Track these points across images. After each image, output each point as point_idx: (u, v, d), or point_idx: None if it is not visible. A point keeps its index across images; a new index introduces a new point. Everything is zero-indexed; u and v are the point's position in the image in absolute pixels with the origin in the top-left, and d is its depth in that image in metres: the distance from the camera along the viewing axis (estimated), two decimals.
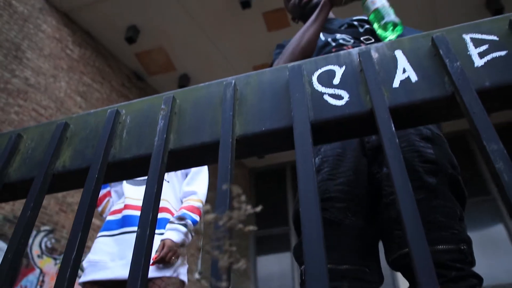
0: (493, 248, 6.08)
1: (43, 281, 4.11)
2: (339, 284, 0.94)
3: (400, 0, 5.25)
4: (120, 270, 1.66)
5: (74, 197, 4.70)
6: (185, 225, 1.78)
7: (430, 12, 5.57)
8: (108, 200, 2.04)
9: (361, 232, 1.01)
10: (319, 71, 0.61)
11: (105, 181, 0.63)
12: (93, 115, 0.71)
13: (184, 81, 6.63)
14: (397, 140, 0.48)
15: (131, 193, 1.88)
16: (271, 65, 1.41)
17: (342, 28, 1.42)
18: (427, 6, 5.51)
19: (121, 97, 6.10)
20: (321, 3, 1.31)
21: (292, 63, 0.62)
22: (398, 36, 1.20)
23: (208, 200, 2.03)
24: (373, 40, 1.29)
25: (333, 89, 0.58)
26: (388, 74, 0.57)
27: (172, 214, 1.88)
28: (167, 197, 1.92)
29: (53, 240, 4.33)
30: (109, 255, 1.72)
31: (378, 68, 0.58)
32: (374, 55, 0.60)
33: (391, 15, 1.16)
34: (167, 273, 1.68)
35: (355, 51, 0.61)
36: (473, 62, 0.55)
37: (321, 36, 1.39)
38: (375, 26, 1.18)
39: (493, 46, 0.56)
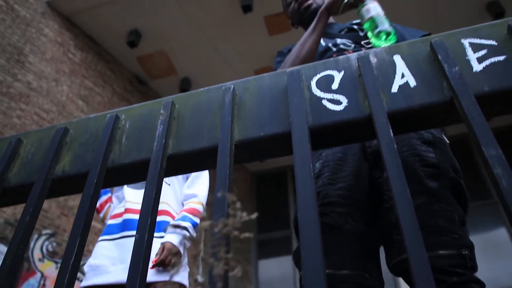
0: (495, 251, 6.06)
1: (44, 284, 4.11)
2: None
3: (402, 3, 5.29)
4: (121, 274, 1.65)
5: (75, 200, 4.70)
6: (185, 228, 1.77)
7: (432, 14, 5.58)
8: (110, 206, 2.04)
9: (361, 236, 1.01)
10: (318, 76, 0.61)
11: (104, 186, 0.64)
12: (93, 120, 0.71)
13: (185, 85, 6.64)
14: (395, 146, 0.48)
15: (132, 197, 1.88)
16: None
17: (342, 32, 1.43)
18: (428, 9, 5.52)
19: (122, 100, 6.11)
20: (319, 12, 1.32)
21: (291, 68, 0.62)
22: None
23: (209, 203, 2.03)
24: None
25: (331, 94, 0.58)
26: (386, 79, 0.58)
27: (173, 217, 1.88)
28: (167, 200, 1.92)
29: (54, 244, 4.33)
30: (110, 259, 1.72)
31: (377, 73, 0.58)
32: (373, 60, 0.60)
33: (385, 24, 1.17)
34: (168, 277, 1.68)
35: (353, 56, 0.62)
36: (471, 67, 0.55)
37: (322, 41, 1.39)
38: (369, 34, 1.19)
39: (492, 51, 0.56)
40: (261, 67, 6.32)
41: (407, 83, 0.56)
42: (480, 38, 0.58)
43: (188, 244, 1.82)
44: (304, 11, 1.49)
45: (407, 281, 0.95)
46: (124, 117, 0.68)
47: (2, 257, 0.59)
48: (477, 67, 0.55)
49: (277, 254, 7.87)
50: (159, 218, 1.82)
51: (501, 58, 0.55)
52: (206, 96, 0.65)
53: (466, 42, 0.58)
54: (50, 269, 4.23)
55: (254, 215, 0.32)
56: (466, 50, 0.57)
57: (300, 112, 0.55)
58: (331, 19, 1.55)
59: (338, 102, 0.57)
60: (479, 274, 0.89)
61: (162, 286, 1.65)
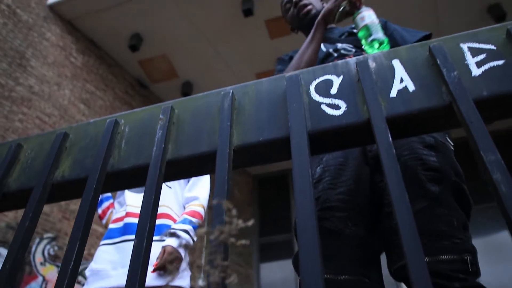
0: (498, 255, 6.02)
1: None
2: None
3: (402, 5, 5.29)
4: (122, 278, 1.65)
5: (77, 204, 4.70)
6: (186, 231, 1.77)
7: (432, 17, 5.58)
8: (112, 212, 2.05)
9: (362, 241, 1.01)
10: (317, 80, 0.61)
11: (103, 191, 0.64)
12: (93, 124, 0.71)
13: (187, 89, 6.65)
14: (394, 150, 0.48)
15: (133, 201, 1.88)
16: None
17: (343, 37, 1.43)
18: (429, 12, 5.52)
19: (124, 104, 6.12)
20: (315, 22, 1.33)
21: (290, 73, 0.62)
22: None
23: (211, 205, 2.02)
24: None
25: (330, 98, 0.58)
26: (385, 84, 0.57)
27: (174, 220, 1.88)
28: (169, 203, 1.92)
29: (56, 248, 4.33)
30: (111, 263, 1.72)
31: (376, 78, 0.58)
32: (372, 64, 0.60)
33: (379, 33, 1.17)
34: (169, 281, 1.68)
35: (352, 60, 0.62)
36: (470, 72, 0.55)
37: (322, 46, 1.40)
38: (363, 42, 1.20)
39: (491, 55, 0.56)
40: (262, 70, 6.33)
41: (406, 88, 0.56)
42: (479, 42, 0.58)
43: (189, 247, 1.82)
44: (303, 16, 1.49)
45: (408, 286, 0.95)
46: (124, 122, 0.69)
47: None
48: (476, 71, 0.55)
49: (279, 257, 7.85)
50: (160, 222, 1.82)
51: (500, 62, 0.54)
52: (205, 100, 0.65)
53: (465, 46, 0.58)
54: (52, 273, 4.22)
55: (250, 222, 0.32)
56: (465, 55, 0.57)
57: (298, 117, 0.55)
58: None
59: (337, 107, 0.57)
60: (482, 278, 0.88)
61: None
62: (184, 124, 0.64)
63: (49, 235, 4.31)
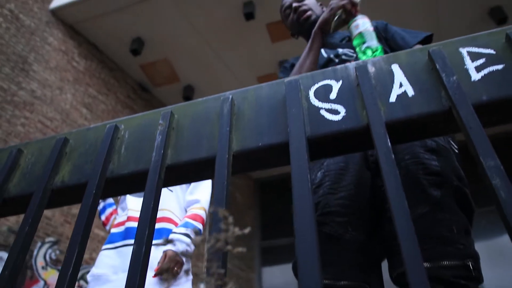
0: (501, 259, 5.99)
1: None
2: None
3: (403, 8, 5.29)
4: (123, 283, 1.64)
5: (78, 208, 4.70)
6: (187, 235, 1.77)
7: (433, 19, 5.58)
8: (115, 218, 2.05)
9: (362, 246, 1.00)
10: (316, 85, 0.61)
11: (103, 196, 0.64)
12: (93, 130, 0.71)
13: (188, 92, 6.67)
14: (393, 156, 0.48)
15: (134, 205, 1.88)
16: None
17: (343, 41, 1.43)
18: (430, 15, 5.52)
19: (126, 108, 6.13)
20: (312, 32, 1.33)
21: (289, 78, 0.62)
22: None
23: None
24: None
25: (329, 104, 0.58)
26: (384, 89, 0.57)
27: (176, 224, 1.87)
28: (170, 207, 1.92)
29: (57, 252, 4.33)
30: (112, 268, 1.72)
31: (375, 83, 0.58)
32: (371, 69, 0.60)
33: (372, 40, 1.17)
34: (169, 286, 1.67)
35: (351, 65, 0.62)
36: (470, 76, 0.55)
37: (323, 52, 1.40)
38: (357, 49, 1.20)
39: (490, 60, 0.56)
40: (264, 74, 6.34)
41: (405, 93, 0.56)
42: (479, 47, 0.58)
43: (190, 251, 1.82)
44: (303, 22, 1.49)
45: None
46: (124, 127, 0.69)
47: None
48: (475, 76, 0.55)
49: (281, 261, 7.82)
50: (161, 226, 1.82)
51: (500, 67, 0.54)
52: (205, 106, 0.65)
53: (464, 51, 0.58)
54: (53, 277, 4.22)
55: (247, 230, 0.31)
56: (464, 59, 0.57)
57: (298, 122, 0.55)
58: None
59: (336, 112, 0.57)
60: (485, 282, 0.87)
61: None
62: (184, 129, 0.64)
63: (51, 239, 4.31)
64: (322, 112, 0.57)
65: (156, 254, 1.68)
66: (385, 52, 1.31)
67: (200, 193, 1.99)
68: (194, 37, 5.85)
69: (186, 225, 1.82)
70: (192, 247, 1.83)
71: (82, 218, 0.58)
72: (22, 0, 4.94)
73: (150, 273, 1.62)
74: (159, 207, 1.88)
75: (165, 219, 1.85)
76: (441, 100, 0.54)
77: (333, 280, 0.94)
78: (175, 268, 1.68)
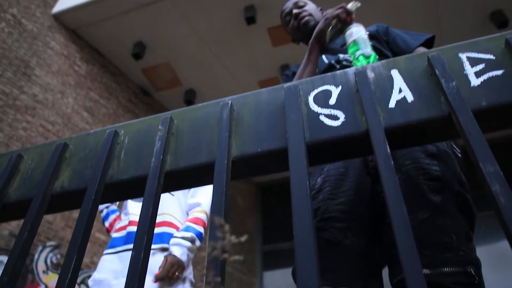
0: (502, 263, 5.96)
1: None
2: None
3: (403, 9, 5.30)
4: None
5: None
6: (188, 239, 1.76)
7: (433, 19, 5.58)
8: (118, 223, 2.05)
9: (362, 252, 0.99)
10: (316, 91, 0.61)
11: (102, 201, 0.64)
12: (93, 135, 0.72)
13: (190, 97, 6.68)
14: (392, 162, 0.48)
15: (135, 210, 1.88)
16: None
17: (344, 47, 1.43)
18: (431, 19, 5.53)
19: (127, 112, 6.14)
20: (309, 44, 1.34)
21: (288, 83, 0.62)
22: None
23: None
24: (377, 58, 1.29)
25: (329, 109, 0.58)
26: (384, 94, 0.57)
27: (177, 228, 1.87)
28: (171, 211, 1.91)
29: (58, 256, 4.32)
30: (113, 272, 1.72)
31: (374, 88, 0.58)
32: (370, 75, 0.60)
33: (366, 48, 1.18)
34: None
35: (351, 71, 0.62)
36: (469, 82, 0.55)
37: (324, 58, 1.40)
38: (352, 57, 1.21)
39: (490, 65, 0.56)
40: (265, 78, 6.35)
41: (404, 98, 0.56)
42: (478, 52, 0.58)
43: (191, 255, 1.81)
44: (304, 28, 1.50)
45: None
46: (123, 133, 0.69)
47: None
48: (474, 81, 0.55)
49: (282, 265, 7.79)
50: (162, 230, 1.82)
51: (499, 72, 0.54)
52: (204, 111, 0.65)
53: (463, 56, 0.58)
54: (54, 281, 4.20)
55: (243, 238, 0.31)
56: (464, 65, 0.57)
57: (297, 128, 0.55)
58: None
59: (335, 118, 0.57)
60: (486, 287, 0.86)
61: None
62: (183, 134, 0.64)
63: (52, 243, 4.31)
64: (322, 117, 0.57)
65: (157, 259, 1.68)
66: (386, 56, 1.31)
67: (202, 196, 1.99)
68: (196, 41, 5.87)
69: (187, 229, 1.81)
70: (194, 251, 1.82)
71: (81, 223, 0.58)
72: (24, 5, 4.97)
73: (151, 278, 1.62)
74: (160, 212, 1.87)
75: (166, 224, 1.85)
76: (440, 106, 0.54)
77: (333, 286, 0.94)
78: (176, 273, 1.67)
